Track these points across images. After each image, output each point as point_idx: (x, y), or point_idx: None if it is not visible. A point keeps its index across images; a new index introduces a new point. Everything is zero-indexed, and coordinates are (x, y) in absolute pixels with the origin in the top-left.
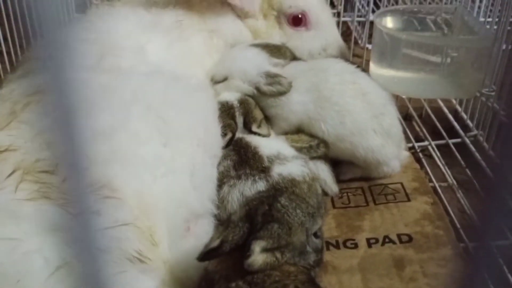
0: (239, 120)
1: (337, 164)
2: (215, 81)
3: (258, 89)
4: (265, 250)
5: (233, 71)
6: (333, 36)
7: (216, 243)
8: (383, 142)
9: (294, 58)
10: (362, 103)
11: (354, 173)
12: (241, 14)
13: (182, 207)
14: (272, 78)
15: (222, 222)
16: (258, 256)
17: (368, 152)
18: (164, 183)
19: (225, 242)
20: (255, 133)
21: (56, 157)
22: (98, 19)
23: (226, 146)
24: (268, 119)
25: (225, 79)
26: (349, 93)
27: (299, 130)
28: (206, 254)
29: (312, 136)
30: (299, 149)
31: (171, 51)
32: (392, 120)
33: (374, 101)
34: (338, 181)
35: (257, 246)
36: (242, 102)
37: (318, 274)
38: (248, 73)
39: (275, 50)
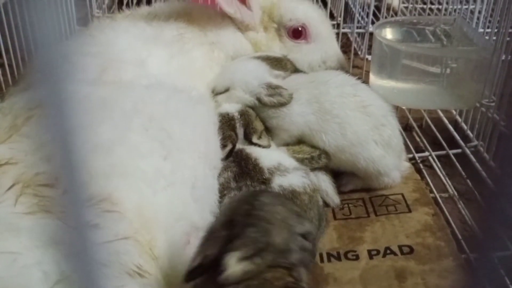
0: (240, 131)
1: (337, 175)
2: (217, 92)
3: (259, 99)
4: (243, 259)
5: (235, 82)
6: (333, 49)
7: (197, 261)
8: (384, 153)
9: (295, 70)
10: (363, 115)
11: (355, 185)
12: (242, 27)
13: (182, 220)
14: (273, 89)
15: (205, 233)
16: (236, 268)
17: (369, 162)
18: (164, 196)
19: (206, 257)
20: (255, 144)
21: (56, 171)
22: (99, 33)
23: (227, 157)
24: (268, 131)
25: (226, 90)
26: (350, 106)
27: (300, 141)
28: (190, 274)
29: (313, 147)
30: (300, 160)
31: (172, 64)
32: (393, 131)
33: (374, 113)
34: (339, 192)
35: (232, 258)
36: (242, 113)
37: (303, 275)
38: (250, 84)
39: (276, 62)
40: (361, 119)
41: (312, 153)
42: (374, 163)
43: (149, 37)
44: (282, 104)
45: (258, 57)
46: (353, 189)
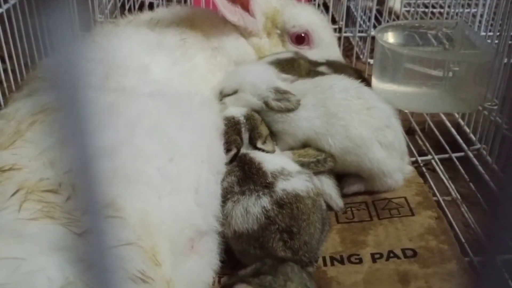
0: (245, 136)
1: (341, 178)
2: (225, 94)
3: (266, 103)
4: None
5: (243, 84)
6: (335, 54)
7: None
8: (387, 154)
9: (312, 65)
10: (367, 117)
11: (358, 187)
12: (245, 33)
13: (186, 225)
14: (281, 94)
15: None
16: None
17: (374, 163)
18: (168, 201)
19: None
20: (260, 149)
21: (60, 176)
22: (102, 39)
23: (231, 162)
24: (273, 135)
25: (234, 92)
26: (355, 108)
27: (304, 145)
28: None
29: (319, 150)
30: (306, 164)
31: (175, 70)
32: (396, 132)
33: (378, 115)
34: (342, 195)
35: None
36: (248, 117)
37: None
38: (258, 87)
39: (287, 65)
40: (365, 121)
41: (317, 156)
42: (378, 164)
43: (152, 43)
44: (289, 110)
45: (269, 61)
46: (356, 191)
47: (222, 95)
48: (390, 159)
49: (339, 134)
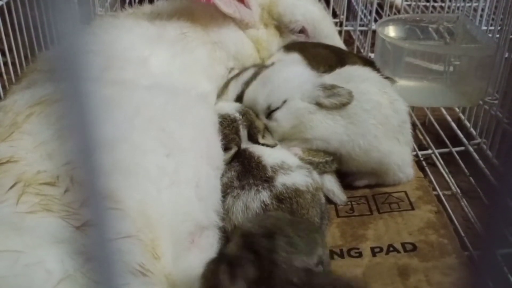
0: (243, 133)
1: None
2: (273, 109)
3: (318, 103)
4: None
5: (290, 91)
6: (336, 44)
7: None
8: (402, 149)
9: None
10: (392, 111)
11: (369, 180)
12: (242, 25)
13: (186, 219)
14: (329, 90)
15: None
16: None
17: (392, 158)
18: (168, 195)
19: None
20: (262, 145)
21: (57, 169)
22: (102, 31)
23: (230, 161)
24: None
25: (284, 102)
26: (383, 103)
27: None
28: None
29: (326, 152)
30: (316, 163)
31: (175, 63)
32: (409, 127)
33: (400, 109)
34: (348, 188)
35: None
36: (244, 113)
37: None
38: (305, 89)
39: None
40: (391, 116)
41: (327, 157)
42: (395, 159)
43: (152, 36)
44: (344, 104)
45: (295, 59)
46: (367, 184)
47: (270, 110)
48: (404, 154)
49: (369, 134)
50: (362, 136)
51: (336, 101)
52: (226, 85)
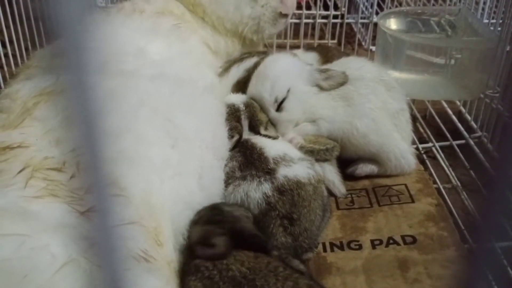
0: (245, 123)
1: (350, 161)
2: (282, 98)
3: (319, 86)
4: None
5: (291, 78)
6: None
7: None
8: (401, 136)
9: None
10: (389, 98)
11: (371, 170)
12: None
13: (189, 209)
14: (325, 72)
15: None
16: None
17: (391, 145)
18: (171, 184)
19: None
20: (264, 136)
21: (64, 155)
22: (95, 28)
23: (233, 148)
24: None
25: (288, 91)
26: (381, 90)
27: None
28: None
29: (328, 139)
30: (317, 151)
31: (173, 51)
32: (408, 115)
33: (398, 96)
34: (349, 179)
35: None
36: (247, 105)
37: None
38: (304, 74)
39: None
40: (389, 103)
41: (327, 145)
42: (397, 144)
43: (146, 29)
44: (341, 84)
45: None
46: (369, 173)
47: (278, 103)
48: (404, 140)
49: (367, 117)
50: (359, 119)
51: (333, 82)
52: (227, 69)
